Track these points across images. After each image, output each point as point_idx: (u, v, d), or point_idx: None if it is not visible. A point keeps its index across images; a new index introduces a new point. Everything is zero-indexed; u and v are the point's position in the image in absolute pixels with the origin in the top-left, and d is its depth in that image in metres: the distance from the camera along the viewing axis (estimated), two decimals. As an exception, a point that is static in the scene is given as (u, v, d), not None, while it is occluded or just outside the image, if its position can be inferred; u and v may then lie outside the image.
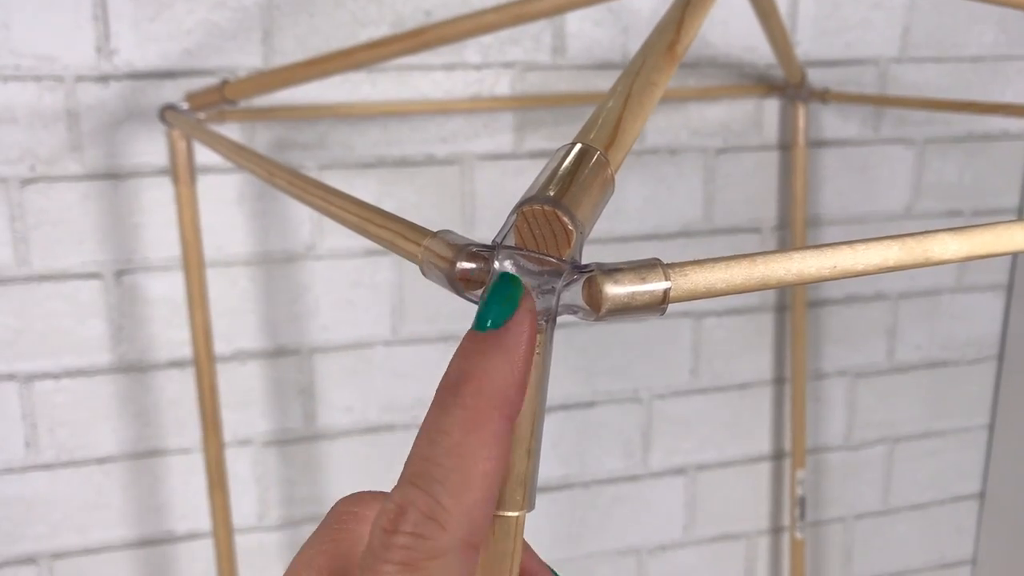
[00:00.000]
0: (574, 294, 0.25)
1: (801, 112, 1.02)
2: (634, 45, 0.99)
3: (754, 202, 1.07)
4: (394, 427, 1.01)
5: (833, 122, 1.08)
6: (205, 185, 0.89)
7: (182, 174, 0.80)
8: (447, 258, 0.26)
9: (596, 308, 0.25)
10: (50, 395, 0.90)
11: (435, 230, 0.29)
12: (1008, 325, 1.21)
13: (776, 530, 1.19)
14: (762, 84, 1.03)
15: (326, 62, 0.64)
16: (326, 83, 0.90)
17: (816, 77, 1.04)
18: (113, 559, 0.96)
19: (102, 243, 0.89)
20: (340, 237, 0.95)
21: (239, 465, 0.97)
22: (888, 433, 1.20)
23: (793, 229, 1.06)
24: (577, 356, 1.05)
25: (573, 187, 0.26)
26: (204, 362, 0.81)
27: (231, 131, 0.89)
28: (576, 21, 0.96)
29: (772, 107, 1.05)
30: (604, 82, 0.99)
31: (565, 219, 0.24)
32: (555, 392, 1.05)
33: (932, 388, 1.21)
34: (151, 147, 0.87)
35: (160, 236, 0.90)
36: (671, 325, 1.08)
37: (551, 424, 1.06)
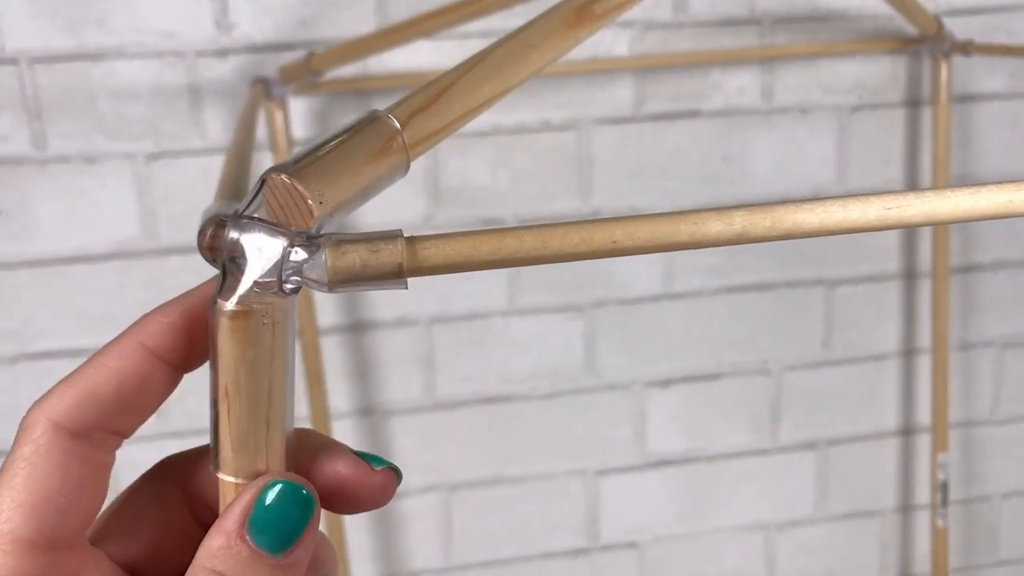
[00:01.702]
0: (317, 265, 0.25)
1: (943, 67, 0.95)
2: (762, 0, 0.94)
3: (891, 163, 1.01)
4: (512, 398, 1.00)
5: (979, 76, 1.00)
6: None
7: (280, 146, 0.81)
8: (201, 226, 0.26)
9: (326, 280, 0.25)
10: (179, 365, 0.92)
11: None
12: None
13: (910, 508, 1.13)
14: (897, 38, 0.97)
15: (405, 29, 0.64)
16: (441, 50, 0.89)
17: (960, 27, 0.96)
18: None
19: (225, 216, 0.90)
20: (457, 207, 0.93)
21: (361, 434, 0.98)
22: (1039, 408, 1.13)
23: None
24: (702, 327, 1.02)
25: (329, 156, 0.25)
26: (309, 335, 0.82)
27: (334, 100, 0.89)
28: (699, -24, 0.92)
29: (911, 62, 0.99)
30: (729, 40, 0.94)
31: (301, 189, 0.24)
32: (678, 364, 1.02)
33: (1090, 360, 1.12)
34: (269, 120, 0.88)
35: (280, 208, 0.90)
36: (801, 294, 1.03)
37: (674, 396, 1.03)
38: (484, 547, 1.04)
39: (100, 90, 0.85)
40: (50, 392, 0.26)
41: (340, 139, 0.26)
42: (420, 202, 0.93)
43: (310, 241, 0.24)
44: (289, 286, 0.25)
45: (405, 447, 0.99)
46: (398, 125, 0.27)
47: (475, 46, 0.89)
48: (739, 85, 0.96)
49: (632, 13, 0.91)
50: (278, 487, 0.25)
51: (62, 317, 0.89)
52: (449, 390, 0.99)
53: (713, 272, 1.00)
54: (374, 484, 0.28)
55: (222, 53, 0.86)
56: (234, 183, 0.33)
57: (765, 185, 0.98)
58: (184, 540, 0.29)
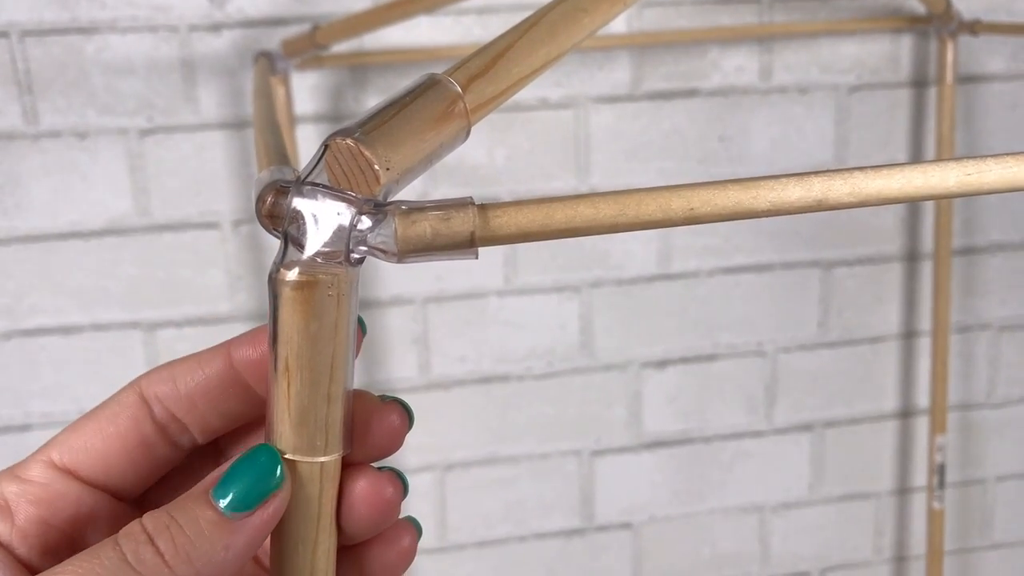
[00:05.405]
0: (385, 234, 0.24)
1: (950, 46, 0.94)
2: (761, -23, 0.93)
3: (891, 143, 1.01)
4: (507, 378, 1.00)
5: (979, 56, 1.00)
6: (315, 133, 0.88)
7: (282, 122, 0.80)
8: (259, 194, 0.25)
9: (396, 249, 0.24)
10: (172, 343, 0.92)
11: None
12: None
13: (905, 491, 1.13)
14: (901, 16, 0.96)
15: (409, 4, 0.63)
16: (438, 26, 0.88)
17: (960, 7, 0.96)
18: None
19: (219, 193, 0.89)
20: (453, 186, 0.93)
21: (355, 414, 0.98)
22: (1035, 391, 1.12)
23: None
24: (698, 308, 1.01)
25: (394, 121, 0.24)
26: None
27: (330, 76, 0.88)
28: (698, -47, 0.91)
29: (911, 41, 0.98)
30: (728, 18, 0.93)
31: (368, 155, 0.23)
32: (674, 345, 1.02)
33: (1086, 343, 1.12)
34: (264, 96, 0.87)
35: (274, 185, 0.90)
36: (798, 276, 1.02)
37: (669, 377, 1.03)
38: (479, 527, 1.04)
39: (93, 64, 0.84)
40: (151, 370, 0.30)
41: (401, 103, 0.25)
42: (416, 184, 0.92)
43: (377, 209, 0.24)
44: (355, 256, 0.24)
45: (400, 426, 0.99)
46: (460, 89, 0.26)
47: (472, 22, 0.88)
48: (737, 64, 0.95)
49: (631, -10, 0.90)
50: (260, 454, 0.26)
51: (54, 293, 0.89)
52: (444, 370, 0.98)
53: (710, 253, 1.00)
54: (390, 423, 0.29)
55: (216, 28, 0.85)
56: (278, 149, 0.32)
57: (762, 165, 0.98)
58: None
